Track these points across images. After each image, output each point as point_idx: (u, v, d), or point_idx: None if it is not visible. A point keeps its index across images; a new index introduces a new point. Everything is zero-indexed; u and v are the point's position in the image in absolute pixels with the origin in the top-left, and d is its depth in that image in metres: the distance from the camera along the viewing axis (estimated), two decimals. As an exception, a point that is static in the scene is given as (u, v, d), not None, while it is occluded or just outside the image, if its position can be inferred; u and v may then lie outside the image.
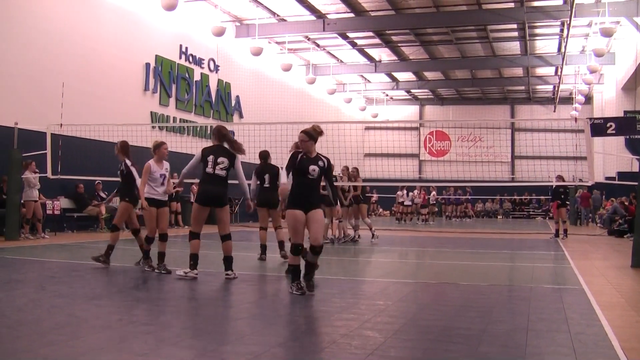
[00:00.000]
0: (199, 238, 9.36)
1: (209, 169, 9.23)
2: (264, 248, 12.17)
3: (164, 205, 10.18)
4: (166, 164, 10.24)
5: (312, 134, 8.11)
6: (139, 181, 10.33)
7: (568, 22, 23.94)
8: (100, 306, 7.05)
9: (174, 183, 11.25)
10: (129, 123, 19.07)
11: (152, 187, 10.01)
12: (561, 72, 33.48)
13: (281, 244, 12.14)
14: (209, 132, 27.03)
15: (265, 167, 12.22)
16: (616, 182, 27.79)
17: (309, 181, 7.97)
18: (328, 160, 8.14)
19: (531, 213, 42.94)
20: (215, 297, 8.13)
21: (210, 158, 9.25)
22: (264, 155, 12.44)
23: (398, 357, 5.19)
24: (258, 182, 11.99)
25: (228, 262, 9.35)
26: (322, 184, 8.56)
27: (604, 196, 32.00)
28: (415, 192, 32.16)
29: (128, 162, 10.91)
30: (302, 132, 8.11)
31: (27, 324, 6.06)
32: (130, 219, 11.21)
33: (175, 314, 6.74)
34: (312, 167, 7.93)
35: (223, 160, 9.28)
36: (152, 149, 10.27)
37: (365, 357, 5.02)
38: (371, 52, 33.97)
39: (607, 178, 32.01)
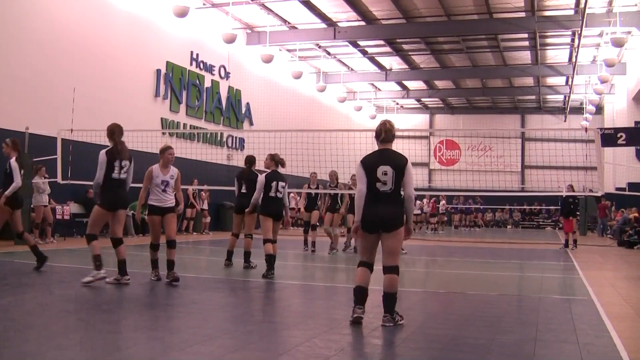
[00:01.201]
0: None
1: (115, 174, 9.15)
2: (230, 254, 12.03)
3: (168, 211, 9.63)
4: (173, 170, 9.74)
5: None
6: (18, 180, 10.26)
7: (579, 32, 23.86)
8: (108, 311, 7.07)
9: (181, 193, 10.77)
10: (139, 129, 19.13)
11: (153, 193, 9.63)
12: (572, 81, 33.37)
13: (247, 255, 11.81)
14: (219, 138, 27.12)
15: (244, 172, 12.06)
16: (627, 192, 27.65)
17: None
18: None
19: (541, 223, 42.78)
20: (223, 304, 8.13)
21: (116, 162, 9.17)
22: (251, 161, 12.14)
23: (405, 366, 5.19)
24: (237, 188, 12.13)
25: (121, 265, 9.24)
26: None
27: (613, 207, 31.87)
28: (425, 200, 32.08)
29: (13, 160, 10.39)
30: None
31: (36, 327, 6.09)
32: (13, 222, 10.62)
33: (183, 320, 6.74)
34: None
35: (126, 163, 9.31)
36: (159, 153, 9.96)
37: (373, 365, 5.02)
38: (382, 60, 33.96)
39: (617, 189, 31.83)
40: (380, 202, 6.70)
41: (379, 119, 36.17)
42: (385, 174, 6.72)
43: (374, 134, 7.21)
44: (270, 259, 10.54)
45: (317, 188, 16.17)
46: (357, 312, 6.66)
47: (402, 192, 6.84)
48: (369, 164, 6.84)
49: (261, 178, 10.90)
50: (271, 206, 10.86)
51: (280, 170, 11.34)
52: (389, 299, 6.65)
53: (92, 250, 9.12)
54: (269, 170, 11.10)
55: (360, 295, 6.74)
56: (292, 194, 31.27)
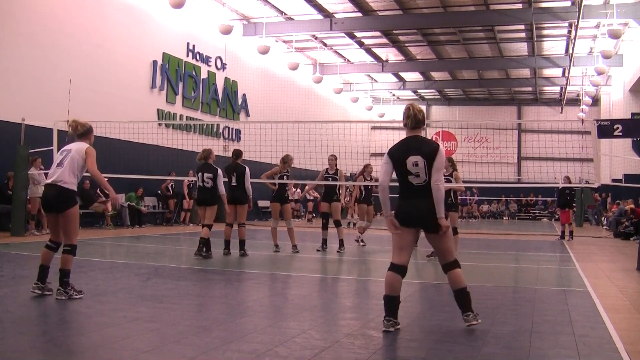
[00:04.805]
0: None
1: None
2: (227, 243, 12.65)
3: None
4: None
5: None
6: None
7: (576, 24, 23.87)
8: (104, 303, 7.06)
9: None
10: (136, 120, 19.11)
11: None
12: (568, 73, 33.35)
13: (242, 243, 12.54)
14: (215, 130, 27.11)
15: (234, 165, 12.71)
16: (623, 184, 27.70)
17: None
18: None
19: (537, 214, 42.84)
20: (219, 295, 8.13)
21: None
22: (236, 154, 12.97)
23: (401, 357, 5.20)
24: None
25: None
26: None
27: (609, 198, 31.95)
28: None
29: None
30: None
31: (32, 319, 6.08)
32: None
33: (179, 311, 6.75)
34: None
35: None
36: (86, 131, 7.78)
37: (369, 356, 5.02)
38: (378, 51, 33.91)
39: (613, 180, 31.93)
40: (418, 197, 5.99)
41: (376, 110, 36.17)
42: (416, 164, 5.96)
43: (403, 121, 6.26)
44: (202, 241, 11.81)
45: (336, 174, 14.42)
46: (386, 325, 5.90)
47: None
48: (397, 155, 6.09)
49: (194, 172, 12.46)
50: (199, 195, 12.41)
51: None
52: (462, 296, 6.08)
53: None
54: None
55: (391, 305, 5.99)
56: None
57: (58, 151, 7.77)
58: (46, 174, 16.09)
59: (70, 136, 7.74)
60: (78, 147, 7.52)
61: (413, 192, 6.02)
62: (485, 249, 16.56)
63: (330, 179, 14.35)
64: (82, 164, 7.47)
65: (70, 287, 7.22)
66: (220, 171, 12.22)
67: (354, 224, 17.66)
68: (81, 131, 7.70)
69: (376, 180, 15.70)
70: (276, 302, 7.82)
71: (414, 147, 6.05)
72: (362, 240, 15.87)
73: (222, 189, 12.17)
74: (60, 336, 5.46)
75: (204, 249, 11.87)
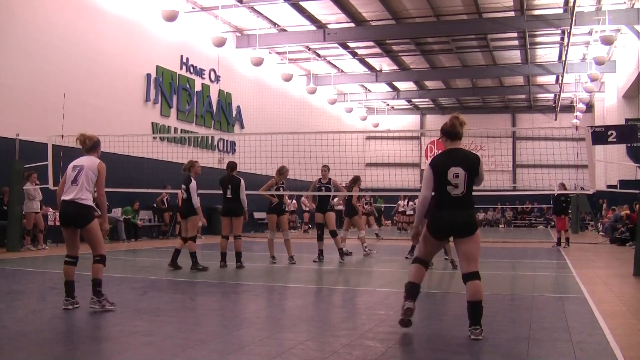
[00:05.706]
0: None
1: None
2: (223, 256, 12.55)
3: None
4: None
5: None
6: None
7: (568, 31, 23.96)
8: (101, 317, 7.04)
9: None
10: (130, 134, 19.10)
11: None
12: (562, 80, 33.46)
13: (238, 255, 12.46)
14: (210, 142, 27.11)
15: (228, 178, 12.67)
16: (618, 190, 27.75)
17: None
18: None
19: (533, 222, 42.86)
20: (216, 308, 8.11)
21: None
22: (231, 166, 12.88)
23: (399, 367, 5.18)
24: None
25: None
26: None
27: (604, 204, 32.00)
28: (417, 201, 32.05)
29: None
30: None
31: (28, 335, 6.05)
32: None
33: (176, 324, 6.73)
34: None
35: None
36: (94, 144, 7.99)
37: (366, 367, 5.01)
38: (372, 61, 34.01)
39: (608, 186, 31.99)
40: (452, 207, 6.20)
41: (370, 120, 36.08)
42: (457, 176, 6.16)
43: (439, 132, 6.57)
44: (193, 255, 11.89)
45: (329, 183, 14.32)
46: (408, 304, 6.25)
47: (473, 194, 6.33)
48: (439, 165, 6.29)
49: None
50: (180, 206, 12.72)
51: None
52: (476, 309, 6.09)
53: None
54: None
55: (412, 291, 6.37)
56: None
57: (66, 166, 7.88)
58: (42, 189, 16.26)
59: (77, 148, 7.86)
60: (90, 164, 7.67)
61: (450, 203, 6.21)
62: (482, 257, 16.44)
63: (323, 189, 14.33)
64: (95, 179, 7.68)
65: (103, 298, 7.33)
66: (194, 183, 11.88)
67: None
68: (89, 145, 7.87)
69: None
70: (273, 314, 7.80)
71: (457, 159, 6.27)
72: (362, 249, 15.97)
73: (195, 202, 11.83)
74: (57, 351, 5.43)
75: (189, 262, 11.93)
